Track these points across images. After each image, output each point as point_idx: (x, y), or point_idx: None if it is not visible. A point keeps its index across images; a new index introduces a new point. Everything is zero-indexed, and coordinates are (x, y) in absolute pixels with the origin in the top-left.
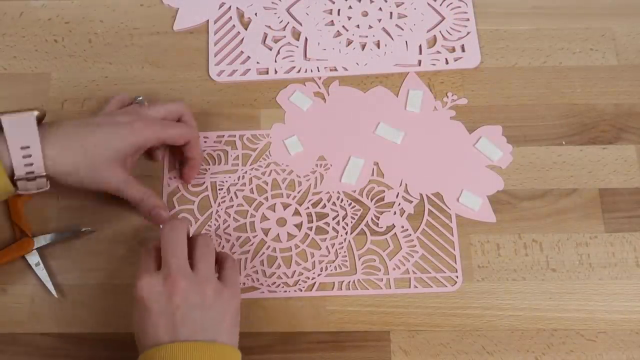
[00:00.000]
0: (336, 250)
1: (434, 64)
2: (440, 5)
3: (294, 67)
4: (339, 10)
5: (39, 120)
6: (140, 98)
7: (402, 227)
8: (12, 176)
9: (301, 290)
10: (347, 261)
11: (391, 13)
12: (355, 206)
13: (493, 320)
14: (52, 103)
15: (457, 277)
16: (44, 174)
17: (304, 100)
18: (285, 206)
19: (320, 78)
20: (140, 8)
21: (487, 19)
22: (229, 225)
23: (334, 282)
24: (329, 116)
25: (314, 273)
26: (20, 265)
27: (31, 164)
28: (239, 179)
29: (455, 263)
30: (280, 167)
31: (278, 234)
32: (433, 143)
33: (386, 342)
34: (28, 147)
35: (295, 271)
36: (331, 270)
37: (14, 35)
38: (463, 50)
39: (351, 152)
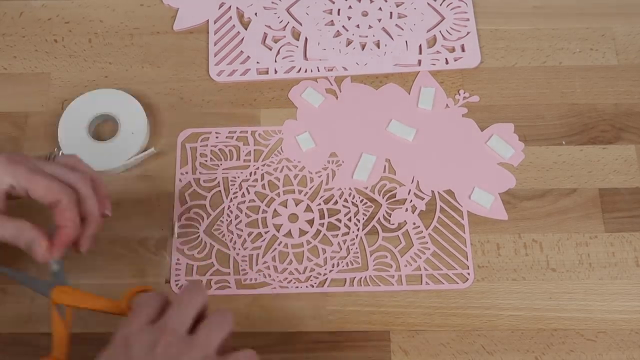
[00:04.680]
0: (348, 246)
1: (433, 64)
2: (440, 5)
3: (294, 67)
4: (339, 10)
5: None
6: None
7: (414, 224)
8: None
9: (313, 287)
10: (358, 258)
11: (391, 13)
12: (367, 203)
13: (493, 320)
14: (52, 103)
15: (468, 274)
16: None
17: (316, 97)
18: (297, 202)
19: (334, 77)
20: (140, 8)
21: (487, 19)
22: (240, 221)
23: (345, 279)
24: (341, 113)
25: (325, 269)
26: (20, 264)
27: None
28: (250, 175)
29: (467, 260)
30: (292, 163)
31: (290, 230)
32: (445, 140)
33: (386, 342)
34: None
35: (306, 267)
36: (343, 266)
37: (14, 35)
38: (463, 50)
39: (363, 148)
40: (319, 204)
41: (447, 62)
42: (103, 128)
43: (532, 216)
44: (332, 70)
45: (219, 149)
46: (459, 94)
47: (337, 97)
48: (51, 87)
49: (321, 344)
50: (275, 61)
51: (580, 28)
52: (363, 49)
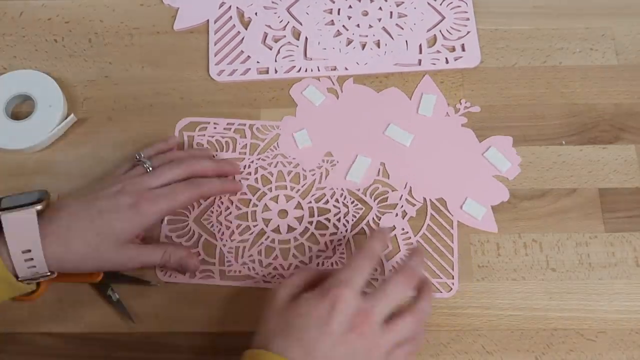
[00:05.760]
0: (334, 246)
1: (434, 64)
2: (441, 4)
3: (294, 66)
4: (339, 9)
5: (40, 210)
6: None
7: (403, 229)
8: (16, 275)
9: None
10: (344, 259)
11: (391, 12)
12: (357, 204)
13: (493, 320)
14: None
15: (452, 283)
16: (48, 273)
17: (317, 96)
18: (288, 199)
19: (336, 77)
20: (140, 8)
21: (487, 19)
22: (230, 213)
23: None
24: (341, 113)
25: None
26: None
27: (34, 266)
28: (244, 168)
29: (453, 270)
30: (287, 159)
31: (278, 225)
32: (442, 148)
33: None
34: (29, 250)
35: (291, 264)
36: (327, 266)
37: (14, 35)
38: (463, 50)
39: (359, 150)
40: (310, 202)
41: (447, 62)
42: (21, 109)
43: (532, 216)
44: (332, 69)
45: (216, 140)
46: (460, 103)
47: (337, 97)
48: None
49: None
50: (276, 61)
51: (580, 28)
52: (363, 48)
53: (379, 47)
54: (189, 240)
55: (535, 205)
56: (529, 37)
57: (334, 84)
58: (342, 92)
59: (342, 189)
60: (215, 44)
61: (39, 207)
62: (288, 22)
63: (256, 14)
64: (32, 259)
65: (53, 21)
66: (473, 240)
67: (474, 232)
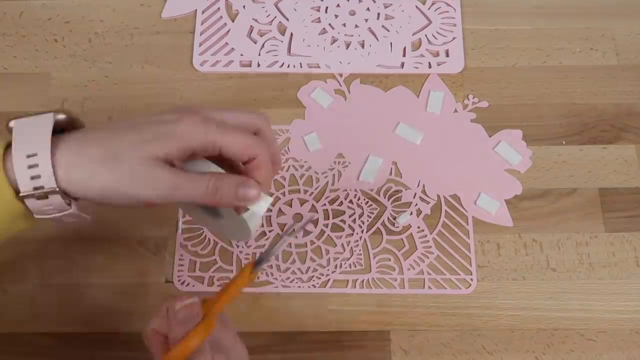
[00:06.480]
0: (351, 248)
1: (416, 67)
2: (429, 9)
3: (277, 61)
4: (326, 7)
5: (65, 126)
6: None
7: (419, 227)
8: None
9: (315, 287)
10: (362, 259)
11: (378, 14)
12: (372, 205)
13: (493, 320)
14: (52, 103)
15: (471, 279)
16: (56, 187)
17: (325, 98)
18: (302, 202)
19: (343, 78)
20: (140, 8)
21: (487, 19)
22: None
23: (348, 280)
24: (349, 114)
25: (328, 270)
26: (20, 264)
27: (38, 176)
28: None
29: (471, 266)
30: (298, 162)
31: (294, 229)
32: (452, 145)
33: (386, 342)
34: (35, 154)
35: (309, 267)
36: (346, 267)
37: (14, 35)
38: (447, 55)
39: (370, 150)
40: (324, 205)
41: (430, 66)
42: None
43: (532, 216)
44: (314, 67)
45: None
46: (468, 99)
47: (345, 98)
48: (51, 87)
49: (321, 344)
50: (259, 54)
51: (580, 28)
52: (347, 47)
53: (363, 47)
54: (205, 248)
55: (535, 205)
56: (529, 37)
57: (340, 85)
58: (349, 93)
59: (355, 190)
60: (201, 34)
61: (60, 116)
62: (275, 17)
63: (244, 7)
64: (37, 164)
65: (53, 21)
66: (474, 241)
67: (474, 233)
